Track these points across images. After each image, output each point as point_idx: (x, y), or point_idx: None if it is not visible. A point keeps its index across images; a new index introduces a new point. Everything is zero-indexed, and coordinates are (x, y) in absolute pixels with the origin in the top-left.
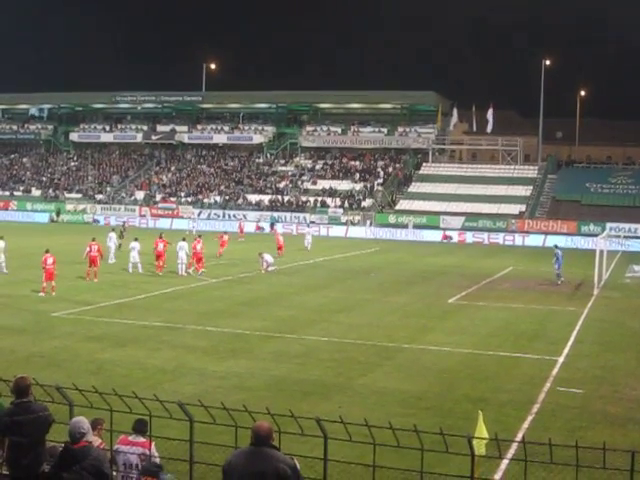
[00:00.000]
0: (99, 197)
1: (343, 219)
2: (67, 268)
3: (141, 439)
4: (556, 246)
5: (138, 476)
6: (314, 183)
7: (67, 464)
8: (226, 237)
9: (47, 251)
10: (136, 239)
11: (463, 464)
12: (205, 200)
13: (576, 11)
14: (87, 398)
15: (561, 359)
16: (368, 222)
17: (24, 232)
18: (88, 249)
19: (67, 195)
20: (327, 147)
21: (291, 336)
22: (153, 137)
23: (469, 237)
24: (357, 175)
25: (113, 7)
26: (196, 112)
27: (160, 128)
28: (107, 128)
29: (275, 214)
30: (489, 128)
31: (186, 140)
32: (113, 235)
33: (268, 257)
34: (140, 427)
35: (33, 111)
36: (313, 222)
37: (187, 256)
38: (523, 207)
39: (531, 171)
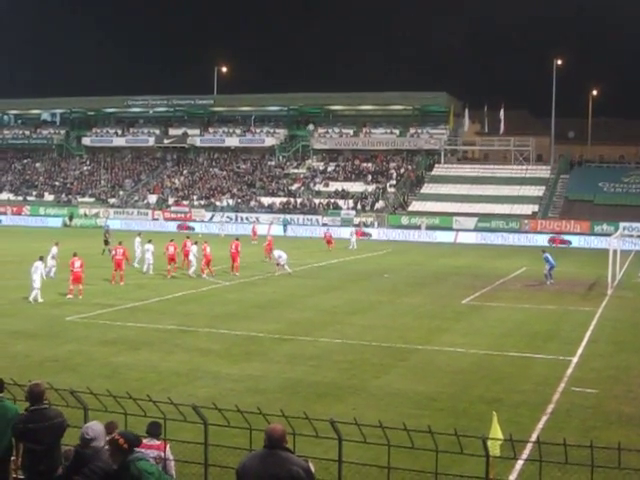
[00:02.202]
0: (112, 201)
1: (355, 221)
2: None
3: (156, 442)
4: (543, 251)
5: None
6: (326, 185)
7: (77, 467)
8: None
9: (75, 254)
10: (150, 241)
11: (478, 465)
12: (217, 203)
13: (587, 10)
14: (101, 402)
15: (575, 359)
16: (376, 224)
17: (37, 237)
18: (114, 252)
19: (80, 199)
20: (339, 149)
21: (305, 338)
22: (165, 141)
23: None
24: (369, 177)
25: (124, 11)
26: (208, 115)
27: (172, 132)
28: (119, 132)
29: (288, 216)
30: (501, 129)
31: (198, 143)
32: (138, 239)
33: (278, 253)
34: (153, 430)
35: (45, 116)
36: (359, 225)
37: (196, 259)
38: (536, 207)
39: (543, 171)
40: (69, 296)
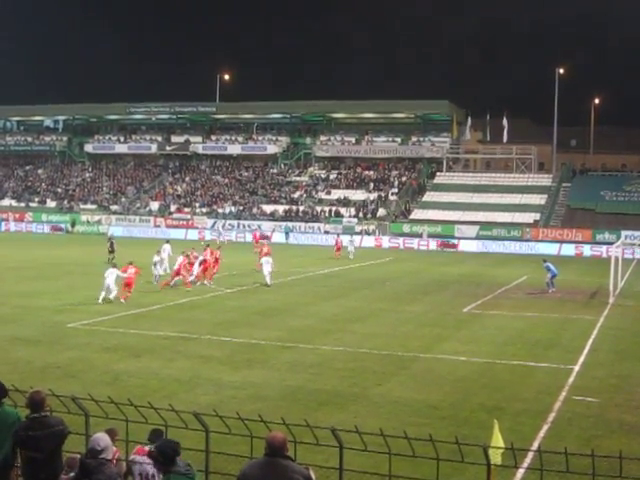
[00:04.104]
0: (114, 208)
1: (357, 229)
2: (81, 279)
3: None
4: (544, 260)
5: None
6: (328, 193)
7: (81, 476)
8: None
9: (130, 263)
10: (158, 252)
11: (479, 473)
12: (220, 210)
13: (590, 19)
14: (103, 408)
15: (577, 368)
16: (377, 232)
17: (39, 243)
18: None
19: (82, 206)
20: (341, 157)
21: (306, 346)
22: (167, 148)
23: (483, 246)
24: (371, 185)
25: (127, 18)
26: (210, 123)
27: (174, 139)
28: (122, 139)
29: (290, 224)
30: (505, 137)
31: (200, 151)
32: (167, 247)
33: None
34: (156, 437)
35: (48, 122)
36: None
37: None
38: (537, 216)
39: (545, 179)
40: (122, 300)
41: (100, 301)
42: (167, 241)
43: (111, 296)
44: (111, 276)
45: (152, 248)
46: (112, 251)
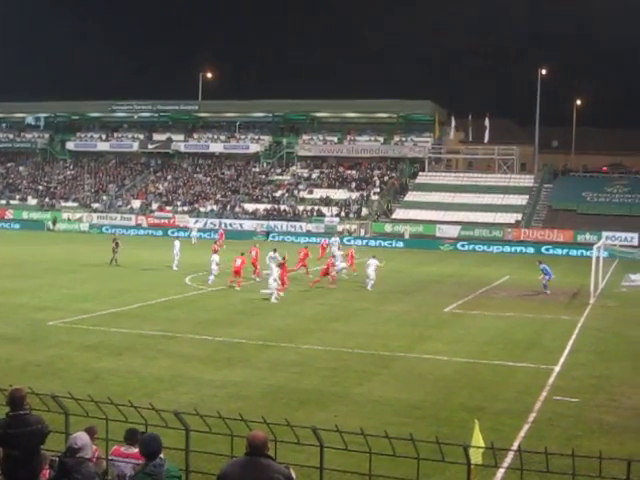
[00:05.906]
0: (95, 206)
1: (339, 228)
2: (62, 277)
3: (134, 450)
4: (540, 261)
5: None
6: (310, 192)
7: (60, 475)
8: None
9: (242, 254)
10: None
11: (459, 473)
12: (201, 209)
13: (572, 20)
14: (83, 407)
15: (557, 368)
16: (362, 231)
17: (20, 241)
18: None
19: (63, 204)
20: (323, 156)
21: (287, 345)
22: (149, 146)
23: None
24: (353, 184)
25: (110, 16)
26: (192, 121)
27: (156, 137)
28: (103, 137)
29: (271, 223)
30: (486, 137)
31: (182, 149)
32: (177, 243)
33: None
34: (131, 437)
35: (29, 120)
36: (342, 233)
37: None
38: (519, 216)
39: (527, 180)
40: (237, 287)
41: (210, 282)
42: (177, 237)
43: (210, 280)
44: (214, 260)
45: (139, 246)
46: (115, 251)
